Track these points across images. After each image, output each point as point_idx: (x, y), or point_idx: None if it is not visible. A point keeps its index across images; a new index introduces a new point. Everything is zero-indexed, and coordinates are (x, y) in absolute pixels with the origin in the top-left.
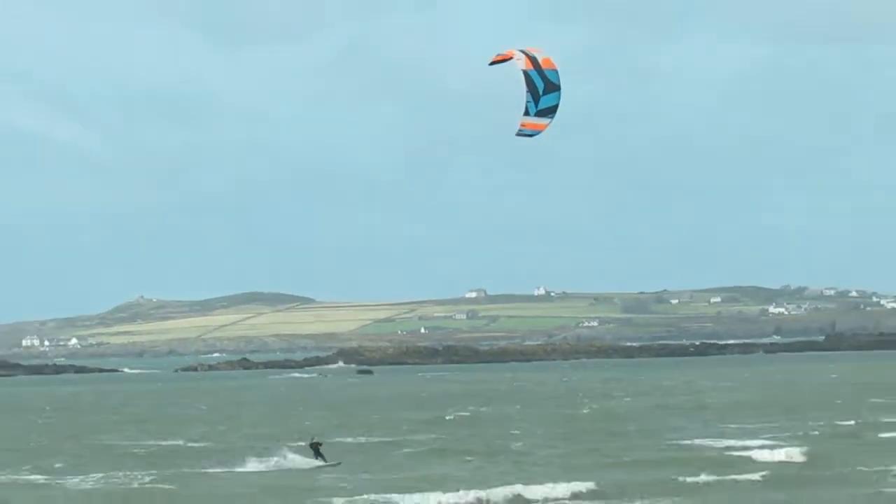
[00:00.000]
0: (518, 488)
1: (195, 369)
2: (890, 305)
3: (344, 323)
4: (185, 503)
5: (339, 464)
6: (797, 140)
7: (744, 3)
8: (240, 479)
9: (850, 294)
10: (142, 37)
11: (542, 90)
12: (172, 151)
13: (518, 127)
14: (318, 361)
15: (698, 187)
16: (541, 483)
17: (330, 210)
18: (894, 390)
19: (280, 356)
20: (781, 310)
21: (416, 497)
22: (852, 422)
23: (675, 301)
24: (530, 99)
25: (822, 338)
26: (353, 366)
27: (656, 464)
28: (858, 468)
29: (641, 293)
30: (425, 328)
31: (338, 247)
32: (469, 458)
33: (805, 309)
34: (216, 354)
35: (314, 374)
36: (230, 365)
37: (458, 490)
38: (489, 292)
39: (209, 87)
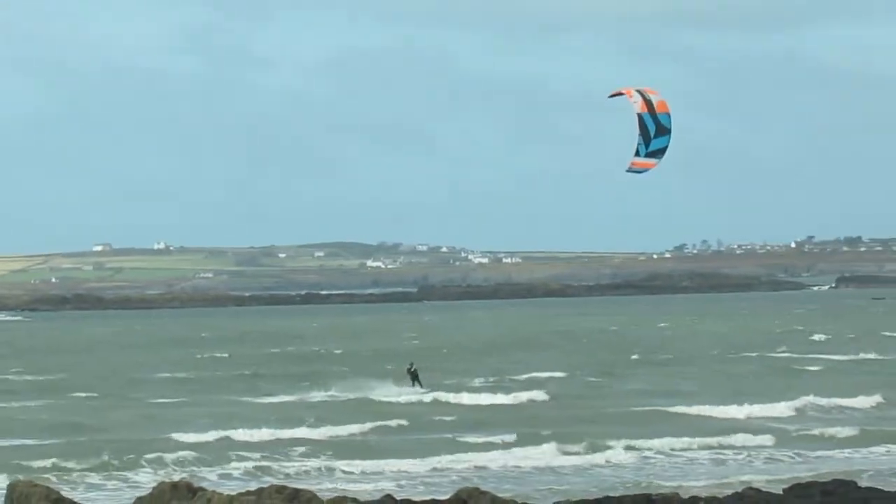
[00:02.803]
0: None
1: None
2: (477, 261)
3: None
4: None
5: (430, 391)
6: (391, 114)
7: None
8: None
9: (442, 250)
10: None
11: (654, 133)
12: None
13: (629, 165)
14: None
15: (294, 156)
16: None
17: None
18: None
19: None
20: (379, 264)
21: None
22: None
23: (282, 255)
24: (641, 141)
25: (415, 289)
26: None
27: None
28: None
29: (252, 247)
30: (56, 278)
31: None
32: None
33: (400, 263)
34: None
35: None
36: None
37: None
38: (114, 246)
39: None
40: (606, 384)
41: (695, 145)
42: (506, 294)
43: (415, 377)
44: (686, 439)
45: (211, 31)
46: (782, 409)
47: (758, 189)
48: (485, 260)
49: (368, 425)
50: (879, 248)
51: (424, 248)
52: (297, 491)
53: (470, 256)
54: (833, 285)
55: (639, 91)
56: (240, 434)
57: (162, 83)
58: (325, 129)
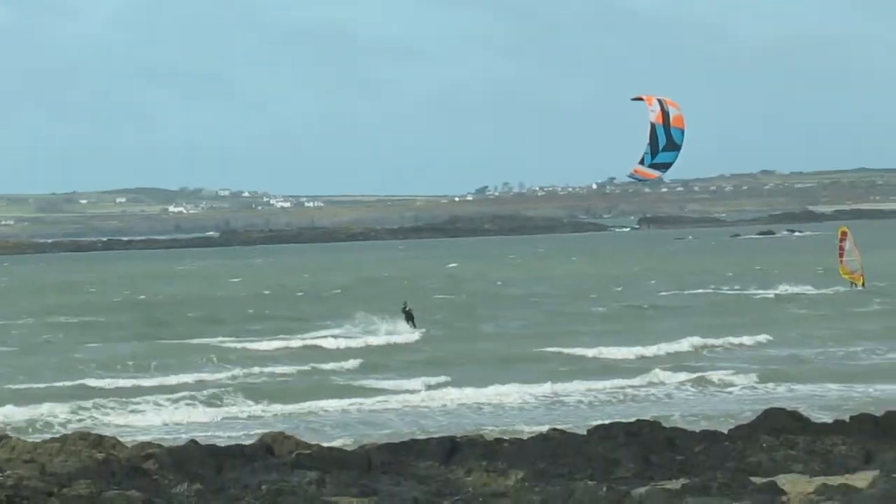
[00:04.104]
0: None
1: None
2: (279, 205)
3: None
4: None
5: (426, 331)
6: (192, 60)
7: None
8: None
9: (244, 195)
10: None
11: (663, 147)
12: None
13: (631, 171)
14: None
15: (95, 102)
16: None
17: None
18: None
19: None
20: (181, 209)
21: None
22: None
23: (84, 201)
24: (648, 151)
25: (217, 234)
26: None
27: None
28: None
29: (53, 194)
30: None
31: None
32: None
33: (202, 208)
34: None
35: None
36: None
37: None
38: None
39: None
40: (476, 326)
41: (495, 88)
42: (308, 238)
43: (409, 317)
44: (575, 382)
45: None
46: (678, 347)
47: (558, 131)
48: (287, 204)
49: (225, 373)
50: (681, 189)
51: (226, 193)
52: (101, 437)
53: (272, 201)
54: (636, 226)
55: (659, 101)
56: (90, 381)
57: None
58: (125, 75)
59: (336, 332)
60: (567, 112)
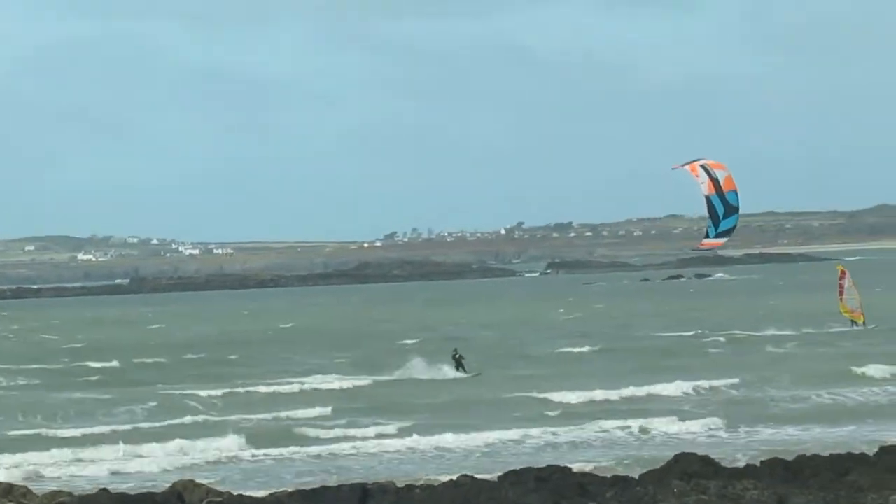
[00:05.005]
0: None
1: None
2: (188, 252)
3: None
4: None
5: (479, 374)
6: (98, 105)
7: None
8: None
9: (153, 242)
10: None
11: (723, 215)
12: None
13: (698, 245)
14: None
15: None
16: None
17: None
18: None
19: None
20: (90, 256)
21: None
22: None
23: None
24: (711, 223)
25: (126, 281)
26: None
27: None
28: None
29: None
30: None
31: None
32: None
33: (111, 255)
34: None
35: None
36: None
37: None
38: None
39: None
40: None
41: (403, 133)
42: (217, 285)
43: (459, 363)
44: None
45: None
46: (614, 392)
47: (467, 176)
48: (196, 251)
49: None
50: (589, 234)
51: (135, 240)
52: (10, 486)
53: (181, 248)
54: (546, 271)
55: (703, 167)
56: (12, 432)
57: None
58: (31, 121)
59: (285, 378)
60: (475, 156)
